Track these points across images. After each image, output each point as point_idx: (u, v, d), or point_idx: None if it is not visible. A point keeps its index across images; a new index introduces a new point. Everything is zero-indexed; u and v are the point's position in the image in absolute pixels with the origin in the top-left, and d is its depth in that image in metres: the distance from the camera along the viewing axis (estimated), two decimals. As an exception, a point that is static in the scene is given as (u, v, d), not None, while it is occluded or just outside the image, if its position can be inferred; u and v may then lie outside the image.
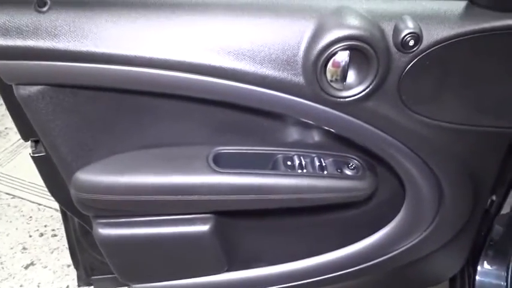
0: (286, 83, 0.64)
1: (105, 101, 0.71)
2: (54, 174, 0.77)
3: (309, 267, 0.91)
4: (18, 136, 0.92)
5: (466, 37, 0.62)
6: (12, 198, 1.84)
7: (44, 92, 0.65)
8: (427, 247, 0.88)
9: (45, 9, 0.61)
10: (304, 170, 0.78)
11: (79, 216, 0.85)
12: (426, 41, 0.61)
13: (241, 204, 0.78)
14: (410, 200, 0.82)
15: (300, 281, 0.93)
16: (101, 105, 0.72)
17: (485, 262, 0.98)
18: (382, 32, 0.62)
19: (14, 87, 0.65)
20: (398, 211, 0.85)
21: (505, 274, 0.96)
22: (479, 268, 0.97)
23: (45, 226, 1.70)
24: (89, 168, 0.74)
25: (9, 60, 0.61)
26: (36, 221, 1.73)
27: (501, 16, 0.62)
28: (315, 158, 0.80)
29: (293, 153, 0.81)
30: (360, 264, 0.90)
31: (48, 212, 1.76)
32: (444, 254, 0.92)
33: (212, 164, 0.76)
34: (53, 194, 0.85)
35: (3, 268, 1.53)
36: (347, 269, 0.91)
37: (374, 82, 0.64)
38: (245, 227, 0.93)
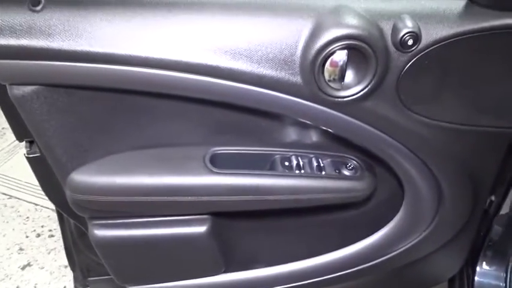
0: (283, 82, 0.63)
1: (101, 101, 0.70)
2: (49, 175, 0.76)
3: (307, 268, 0.91)
4: (15, 136, 0.91)
5: (465, 36, 0.61)
6: (8, 198, 1.83)
7: (38, 92, 0.65)
8: (426, 248, 0.88)
9: (39, 8, 0.60)
10: (302, 171, 0.78)
11: (74, 217, 0.84)
12: (425, 40, 0.61)
13: (239, 205, 0.78)
14: (409, 200, 0.81)
15: (298, 282, 0.92)
16: (96, 105, 0.71)
17: (484, 263, 0.98)
18: (380, 31, 0.61)
19: (7, 87, 0.64)
20: (397, 211, 0.84)
21: (504, 275, 0.96)
22: (478, 269, 0.97)
23: (42, 226, 1.70)
24: (84, 169, 0.74)
25: (2, 60, 0.60)
26: (33, 221, 1.72)
27: (501, 15, 0.61)
28: (313, 159, 0.80)
29: (291, 153, 0.80)
30: (358, 265, 0.90)
31: (45, 212, 1.75)
32: (443, 255, 0.92)
33: (209, 165, 0.75)
34: (48, 195, 0.84)
35: (-1, 269, 1.53)
36: (345, 270, 0.90)
37: (372, 82, 0.63)
38: (242, 228, 0.92)
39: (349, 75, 0.64)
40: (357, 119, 0.68)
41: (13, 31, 0.59)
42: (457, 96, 0.68)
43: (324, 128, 0.74)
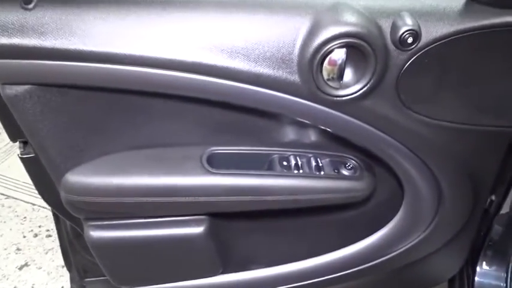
0: (281, 81, 0.63)
1: (95, 101, 0.69)
2: (43, 176, 0.75)
3: (305, 269, 0.90)
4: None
5: (465, 34, 0.61)
6: (6, 198, 1.82)
7: (31, 92, 0.64)
8: (426, 248, 0.87)
9: (31, 6, 0.59)
10: (301, 171, 0.77)
11: (70, 218, 0.84)
12: (425, 38, 0.60)
13: (236, 206, 0.77)
14: (408, 200, 0.81)
15: (296, 283, 0.92)
16: (91, 105, 0.70)
17: (484, 263, 0.97)
18: (379, 29, 0.60)
19: (0, 86, 0.63)
20: (397, 212, 0.84)
21: (505, 275, 0.96)
22: (478, 269, 0.97)
23: (40, 226, 1.69)
24: (79, 169, 0.73)
25: None
26: (30, 221, 1.71)
27: (501, 13, 0.60)
28: (312, 158, 0.79)
29: (289, 153, 0.79)
30: (357, 266, 0.89)
31: (43, 212, 1.74)
32: (443, 255, 0.91)
33: (206, 165, 0.75)
34: (43, 196, 0.83)
35: (-4, 269, 1.52)
36: (344, 270, 0.90)
37: (371, 81, 0.62)
38: (240, 228, 0.92)
39: (348, 74, 0.63)
40: (356, 118, 0.67)
41: (5, 29, 0.58)
42: (457, 95, 0.67)
43: (323, 127, 0.73)
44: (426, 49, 0.61)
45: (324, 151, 0.81)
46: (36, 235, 1.65)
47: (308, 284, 0.91)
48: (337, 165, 0.79)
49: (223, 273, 0.90)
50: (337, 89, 0.63)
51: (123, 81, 0.63)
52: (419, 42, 0.60)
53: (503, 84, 0.66)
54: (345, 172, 0.79)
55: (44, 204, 1.73)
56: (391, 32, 0.60)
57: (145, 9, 0.61)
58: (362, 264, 0.89)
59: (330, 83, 0.63)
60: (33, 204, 1.78)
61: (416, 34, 0.59)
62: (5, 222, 1.71)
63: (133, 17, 0.60)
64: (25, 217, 1.73)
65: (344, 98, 0.64)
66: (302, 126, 0.83)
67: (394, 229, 0.84)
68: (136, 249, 0.83)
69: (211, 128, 0.79)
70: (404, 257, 0.87)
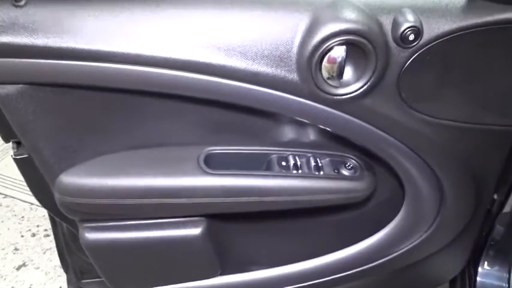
0: (279, 80, 0.61)
1: (89, 100, 0.68)
2: (38, 177, 0.74)
3: (306, 270, 0.89)
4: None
5: (468, 31, 0.59)
6: (3, 197, 1.81)
7: (22, 91, 0.62)
8: (428, 248, 0.87)
9: (22, 3, 0.58)
10: (300, 171, 0.76)
11: (65, 220, 0.83)
12: (427, 35, 0.59)
13: (234, 207, 0.76)
14: (410, 200, 0.80)
15: (297, 284, 0.91)
16: (85, 105, 0.69)
17: (486, 263, 0.96)
18: (380, 25, 0.59)
19: None
20: (398, 212, 0.83)
21: (507, 275, 0.95)
22: (480, 269, 0.96)
23: (38, 226, 1.68)
24: (73, 170, 0.71)
25: None
26: (28, 220, 1.71)
27: (505, 9, 0.60)
28: (311, 158, 0.78)
29: (288, 153, 0.78)
30: (358, 267, 0.88)
31: (41, 212, 1.73)
32: (445, 256, 0.90)
33: (203, 165, 0.73)
34: (37, 198, 0.82)
35: (-6, 270, 1.51)
36: (345, 271, 0.89)
37: (372, 79, 0.61)
38: (239, 229, 0.91)
39: (348, 72, 0.62)
40: (356, 117, 0.66)
41: None
42: (460, 93, 0.66)
43: (322, 127, 0.72)
44: (428, 46, 0.60)
45: (324, 151, 0.80)
46: (34, 235, 1.64)
47: (308, 285, 0.91)
48: (337, 165, 0.78)
49: (221, 274, 0.89)
50: (336, 87, 0.62)
51: (116, 80, 0.62)
52: (421, 39, 0.59)
53: (507, 82, 0.65)
54: (345, 172, 0.78)
55: (42, 203, 1.74)
56: (392, 28, 0.59)
57: (139, 6, 0.60)
58: (363, 265, 0.88)
59: (330, 82, 0.62)
60: (31, 204, 1.77)
61: (418, 31, 0.58)
62: (2, 221, 1.70)
63: (127, 14, 0.59)
64: (23, 216, 1.72)
65: (344, 97, 0.63)
66: (301, 125, 0.82)
67: (395, 229, 0.84)
68: (132, 251, 0.81)
69: (208, 127, 0.78)
70: (405, 257, 0.87)
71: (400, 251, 0.86)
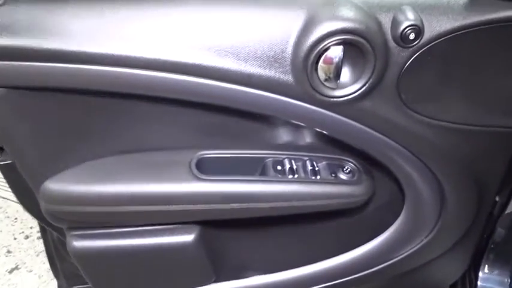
0: (273, 81, 0.59)
1: (74, 104, 0.66)
2: (23, 184, 0.72)
3: (303, 276, 0.87)
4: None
5: (471, 29, 0.58)
6: (-4, 199, 1.79)
7: (3, 95, 0.60)
8: (429, 254, 0.85)
9: (1, 2, 0.56)
10: (296, 175, 0.74)
11: (53, 227, 0.80)
12: (428, 34, 0.57)
13: (228, 214, 0.73)
14: (410, 204, 0.78)
15: None
16: (70, 108, 0.66)
17: (486, 266, 0.95)
18: (379, 24, 0.57)
19: None
20: (398, 216, 0.81)
21: (509, 280, 0.93)
22: (480, 274, 0.94)
23: (31, 228, 1.67)
24: (59, 177, 0.69)
25: None
26: (21, 222, 1.69)
27: (509, 6, 0.57)
28: (307, 162, 0.76)
29: (283, 156, 0.76)
30: (357, 273, 0.87)
31: (34, 213, 1.71)
32: (446, 260, 0.89)
33: (195, 171, 0.71)
34: (23, 205, 0.80)
35: (-14, 273, 1.50)
36: (344, 277, 0.87)
37: (371, 80, 0.59)
38: (233, 235, 0.88)
39: (345, 73, 0.60)
40: (354, 120, 0.64)
41: None
42: (463, 95, 0.64)
43: (319, 130, 0.69)
44: (429, 46, 0.58)
45: (320, 154, 0.78)
46: (27, 237, 1.63)
47: None
48: (334, 168, 0.76)
49: (216, 281, 0.87)
50: (333, 89, 0.60)
51: (103, 83, 0.59)
52: (421, 38, 0.57)
53: None
54: (342, 176, 0.76)
55: (35, 205, 1.71)
56: (391, 27, 0.57)
57: (125, 5, 0.57)
58: (361, 271, 0.86)
59: (326, 83, 0.59)
60: (24, 205, 1.75)
61: (418, 30, 0.56)
62: (-5, 223, 1.68)
63: (112, 13, 0.57)
64: (16, 218, 1.71)
65: (341, 99, 0.61)
66: (297, 127, 0.80)
67: (394, 234, 0.82)
68: (122, 259, 0.79)
69: (200, 130, 0.75)
70: (405, 263, 0.85)
71: (400, 257, 0.84)
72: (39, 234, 1.63)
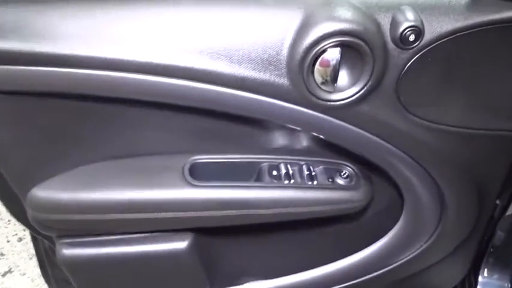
0: (268, 85, 0.58)
1: (62, 108, 0.64)
2: (10, 190, 0.70)
3: (300, 282, 0.86)
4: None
5: (472, 30, 0.56)
6: (-12, 201, 1.77)
7: None
8: (429, 259, 0.84)
9: None
10: (292, 181, 0.72)
11: (42, 235, 0.78)
12: (428, 35, 0.56)
13: (222, 221, 0.72)
14: (409, 209, 0.77)
15: None
16: (57, 113, 0.64)
17: (486, 270, 0.94)
18: (378, 25, 0.56)
19: None
20: (397, 221, 0.80)
21: (509, 285, 0.92)
22: (480, 278, 0.94)
23: (25, 230, 1.66)
24: (46, 184, 0.67)
25: None
26: (14, 225, 1.68)
27: (511, 6, 0.56)
28: (304, 166, 0.75)
29: (279, 161, 0.75)
30: (355, 278, 0.86)
31: (27, 216, 1.69)
32: (445, 265, 0.88)
33: (188, 177, 0.69)
34: (11, 212, 0.78)
35: (-22, 277, 1.48)
36: (341, 283, 0.86)
37: (369, 83, 0.58)
38: (228, 241, 0.87)
39: (343, 76, 0.58)
40: (352, 124, 0.62)
41: None
42: (464, 98, 0.63)
43: (316, 134, 0.68)
44: (430, 47, 0.57)
45: (317, 158, 0.76)
46: (20, 239, 1.62)
47: None
48: (331, 173, 0.75)
49: None
50: (330, 92, 0.59)
51: (92, 87, 0.58)
52: (422, 40, 0.56)
53: None
54: (340, 181, 0.74)
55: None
56: (390, 28, 0.56)
57: (116, 7, 0.55)
58: (360, 277, 0.86)
59: (323, 87, 0.58)
60: (17, 207, 1.73)
61: (418, 31, 0.55)
62: (-13, 226, 1.66)
63: (102, 15, 0.55)
64: (9, 220, 1.69)
65: (338, 103, 0.59)
66: (293, 131, 0.79)
67: (393, 239, 0.81)
68: (114, 268, 0.78)
69: (193, 134, 0.74)
70: (405, 268, 0.84)
71: (399, 262, 0.83)
72: (32, 237, 1.62)
